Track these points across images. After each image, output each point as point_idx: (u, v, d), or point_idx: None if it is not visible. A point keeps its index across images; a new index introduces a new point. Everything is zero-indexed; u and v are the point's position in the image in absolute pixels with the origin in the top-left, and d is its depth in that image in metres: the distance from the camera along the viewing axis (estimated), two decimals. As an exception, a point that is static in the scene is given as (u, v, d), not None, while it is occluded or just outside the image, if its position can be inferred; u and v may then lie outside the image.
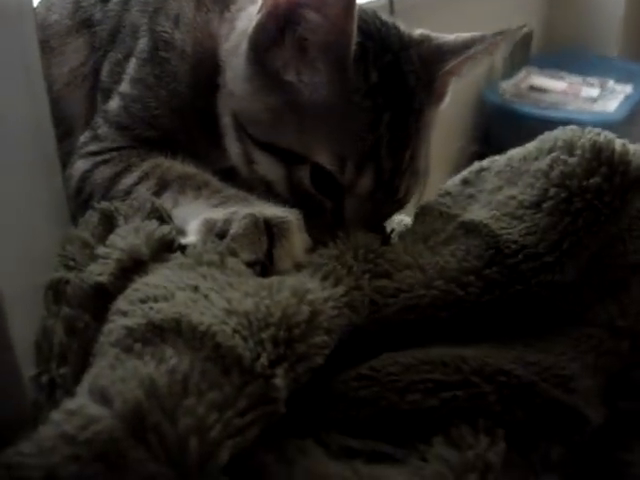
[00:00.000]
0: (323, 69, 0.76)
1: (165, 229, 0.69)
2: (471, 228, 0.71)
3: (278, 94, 0.77)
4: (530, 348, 0.66)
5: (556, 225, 0.67)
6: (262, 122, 0.78)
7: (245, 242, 0.66)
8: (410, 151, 0.78)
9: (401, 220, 0.87)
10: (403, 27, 0.83)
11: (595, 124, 0.76)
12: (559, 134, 0.74)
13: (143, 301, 0.57)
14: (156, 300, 0.56)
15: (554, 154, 0.71)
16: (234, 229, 0.66)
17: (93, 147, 0.87)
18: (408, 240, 0.74)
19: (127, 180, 0.81)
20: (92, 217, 0.74)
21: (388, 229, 0.83)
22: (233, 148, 0.81)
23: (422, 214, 0.79)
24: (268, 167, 0.78)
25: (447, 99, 0.86)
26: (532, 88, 2.97)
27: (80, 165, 0.86)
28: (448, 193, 0.81)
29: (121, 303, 0.58)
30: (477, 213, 0.73)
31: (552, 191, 0.68)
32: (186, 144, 0.86)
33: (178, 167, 0.81)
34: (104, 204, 0.75)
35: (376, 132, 0.76)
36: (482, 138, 2.79)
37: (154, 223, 0.70)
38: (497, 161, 0.80)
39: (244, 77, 0.79)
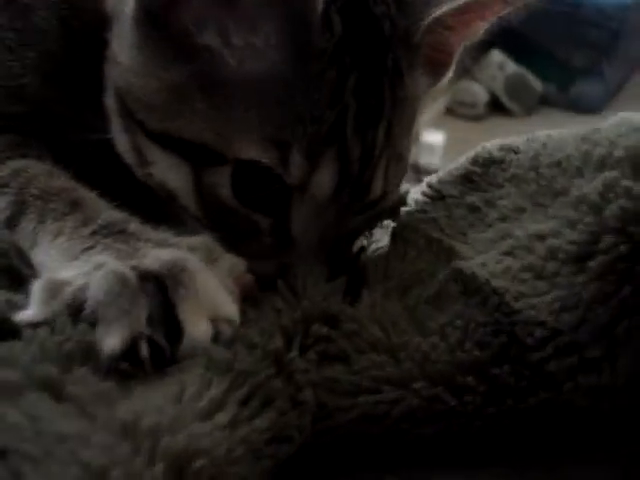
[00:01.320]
0: (266, 28, 0.50)
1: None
2: (472, 287, 0.46)
3: (182, 66, 0.51)
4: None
5: (609, 297, 0.42)
6: (157, 105, 0.52)
7: (111, 314, 0.41)
8: (385, 126, 0.53)
9: (388, 226, 0.61)
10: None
11: None
12: (616, 133, 0.47)
13: None
14: None
15: (610, 174, 0.44)
16: (92, 297, 0.42)
17: None
18: (378, 289, 0.49)
19: None
20: None
21: (357, 246, 0.58)
22: (120, 141, 0.55)
23: (401, 237, 0.54)
24: (167, 170, 0.53)
25: (449, 74, 0.58)
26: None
27: None
28: (441, 197, 0.55)
29: None
30: (482, 257, 0.48)
31: (606, 240, 0.43)
32: (67, 120, 0.60)
33: (44, 175, 0.55)
34: None
35: (338, 103, 0.51)
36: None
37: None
38: (515, 154, 0.54)
39: (131, 42, 0.51)
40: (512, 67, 2.85)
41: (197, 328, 0.43)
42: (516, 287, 0.44)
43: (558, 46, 2.96)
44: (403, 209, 0.58)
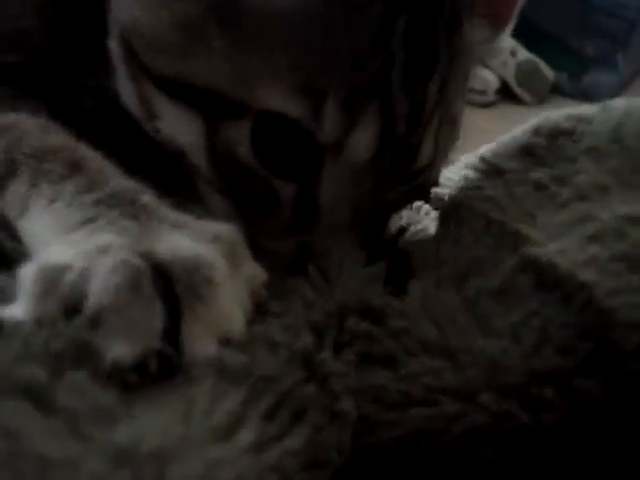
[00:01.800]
0: None
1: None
2: (549, 279, 0.38)
3: None
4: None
5: None
6: (167, 45, 0.43)
7: (119, 322, 0.33)
8: (438, 80, 0.44)
9: (419, 208, 0.53)
10: None
11: None
12: None
13: None
14: None
15: None
16: (95, 296, 0.33)
17: None
18: (428, 278, 0.41)
19: None
20: None
21: (394, 227, 0.50)
22: (125, 91, 0.47)
23: (453, 218, 0.45)
24: (176, 123, 0.45)
25: (509, 27, 0.50)
26: None
27: None
28: (498, 172, 0.47)
29: None
30: (558, 244, 0.39)
31: None
32: (70, 72, 0.52)
33: (38, 131, 0.47)
34: None
35: (384, 49, 0.42)
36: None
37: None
38: (589, 124, 0.45)
39: None
40: (524, 54, 2.76)
41: (202, 349, 0.34)
42: (607, 281, 0.36)
43: (571, 34, 2.88)
44: (451, 184, 0.50)
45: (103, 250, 0.36)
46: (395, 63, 0.42)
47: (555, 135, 0.47)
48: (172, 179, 0.47)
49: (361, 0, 0.41)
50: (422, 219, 0.53)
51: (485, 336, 0.37)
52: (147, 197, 0.41)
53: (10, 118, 0.49)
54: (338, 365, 0.35)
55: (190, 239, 0.37)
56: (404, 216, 0.53)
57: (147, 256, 0.35)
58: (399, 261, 0.44)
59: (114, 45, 0.47)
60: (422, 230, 0.50)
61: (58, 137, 0.47)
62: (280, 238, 0.45)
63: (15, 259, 0.41)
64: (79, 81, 0.54)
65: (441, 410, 0.36)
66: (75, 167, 0.43)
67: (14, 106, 0.51)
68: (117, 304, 0.33)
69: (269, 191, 0.45)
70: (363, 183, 0.44)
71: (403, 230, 0.49)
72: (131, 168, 0.44)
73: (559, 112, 0.49)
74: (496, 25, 0.50)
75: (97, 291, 0.33)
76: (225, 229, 0.39)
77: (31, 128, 0.47)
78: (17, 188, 0.44)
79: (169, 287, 0.34)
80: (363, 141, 0.43)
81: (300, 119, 0.42)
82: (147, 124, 0.47)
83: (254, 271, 0.39)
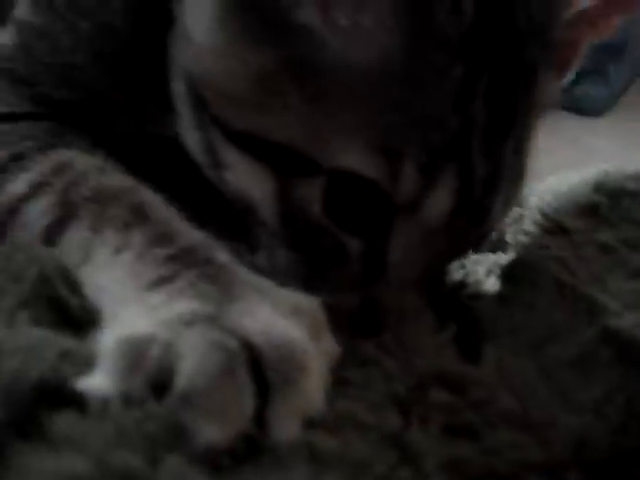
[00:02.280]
0: (378, 3, 0.40)
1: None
2: (633, 353, 0.38)
3: (274, 48, 0.41)
4: None
5: None
6: (240, 98, 0.42)
7: (211, 405, 0.32)
8: (515, 139, 0.44)
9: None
10: None
11: None
12: None
13: None
14: None
15: None
16: (187, 378, 0.32)
17: None
18: (504, 343, 0.41)
19: (11, 187, 0.46)
20: None
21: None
22: (190, 138, 0.46)
23: (522, 277, 0.45)
24: (245, 176, 0.44)
25: (574, 68, 0.50)
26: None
27: None
28: (563, 230, 0.47)
29: None
30: (635, 315, 0.39)
31: None
32: (123, 111, 0.52)
33: (96, 171, 0.45)
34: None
35: (465, 110, 0.41)
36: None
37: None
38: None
39: (212, 15, 0.42)
40: (517, 65, 2.78)
41: (288, 431, 0.34)
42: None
43: (563, 46, 2.90)
44: (513, 239, 0.49)
45: (188, 322, 0.35)
46: (475, 124, 0.42)
47: (618, 195, 0.47)
48: (228, 226, 0.46)
49: (442, 60, 0.40)
50: (472, 268, 0.53)
51: (567, 410, 0.37)
52: (223, 256, 0.40)
53: (64, 156, 0.47)
54: (427, 443, 0.35)
55: (274, 311, 0.37)
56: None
57: (238, 335, 0.34)
58: (466, 322, 0.44)
59: (180, 89, 0.46)
60: (477, 283, 0.50)
61: (116, 178, 0.45)
62: (345, 292, 0.45)
63: (81, 317, 0.40)
64: (130, 121, 0.53)
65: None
66: (139, 213, 0.42)
67: (67, 140, 0.49)
68: (210, 387, 0.32)
69: (337, 246, 0.44)
70: (435, 243, 0.43)
71: (462, 285, 0.49)
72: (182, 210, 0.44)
73: (618, 169, 0.49)
74: (560, 71, 0.50)
75: (188, 372, 0.33)
76: (306, 300, 0.38)
77: (87, 168, 0.46)
78: (76, 234, 0.42)
79: (259, 369, 0.34)
80: (439, 203, 0.42)
81: (376, 180, 0.41)
82: (211, 172, 0.46)
83: (332, 344, 0.38)
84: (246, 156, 0.43)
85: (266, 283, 0.39)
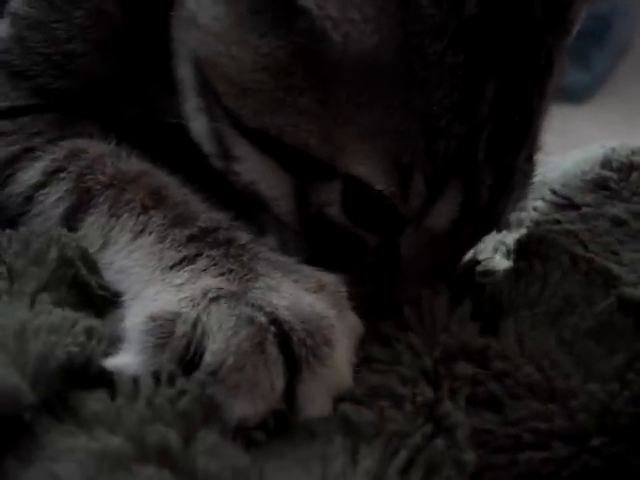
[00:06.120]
0: None
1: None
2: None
3: (282, 34, 0.40)
4: None
5: None
6: (252, 89, 0.41)
7: (242, 381, 0.32)
8: (529, 147, 0.43)
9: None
10: None
11: None
12: None
13: None
14: None
15: None
16: (217, 354, 0.33)
17: None
18: (522, 316, 0.41)
19: (25, 176, 0.46)
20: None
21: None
22: (196, 124, 0.45)
23: (536, 253, 0.45)
24: (258, 172, 0.43)
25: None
26: None
27: None
28: (573, 206, 0.47)
29: None
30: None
31: None
32: (124, 97, 0.51)
33: (112, 156, 0.45)
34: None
35: (470, 120, 0.40)
36: None
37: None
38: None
39: None
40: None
41: (317, 408, 0.34)
42: None
43: (545, 33, 2.92)
44: (525, 216, 0.50)
45: (213, 297, 0.35)
46: (480, 135, 0.40)
47: (626, 169, 0.47)
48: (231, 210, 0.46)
49: (450, 64, 0.39)
50: (479, 247, 0.53)
51: (589, 378, 0.37)
52: (244, 235, 0.40)
53: (77, 144, 0.47)
54: (459, 415, 0.35)
55: (298, 287, 0.37)
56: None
57: (265, 311, 0.34)
58: (483, 298, 0.44)
59: (185, 73, 0.46)
60: (489, 260, 0.50)
61: (132, 162, 0.45)
62: (360, 282, 0.44)
63: (103, 298, 0.40)
64: (136, 106, 0.52)
65: (553, 454, 0.36)
66: (157, 196, 0.42)
67: (76, 130, 0.49)
68: (240, 364, 0.32)
69: (354, 240, 0.44)
70: (444, 245, 0.43)
71: (476, 263, 0.49)
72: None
73: (620, 144, 0.50)
74: None
75: (219, 348, 0.33)
76: (328, 277, 0.38)
77: (101, 154, 0.46)
78: (95, 219, 0.42)
79: (288, 344, 0.34)
80: (444, 212, 0.41)
81: (384, 191, 0.40)
82: (218, 161, 0.45)
83: (355, 320, 0.38)
84: (258, 150, 0.42)
85: (289, 260, 0.39)
